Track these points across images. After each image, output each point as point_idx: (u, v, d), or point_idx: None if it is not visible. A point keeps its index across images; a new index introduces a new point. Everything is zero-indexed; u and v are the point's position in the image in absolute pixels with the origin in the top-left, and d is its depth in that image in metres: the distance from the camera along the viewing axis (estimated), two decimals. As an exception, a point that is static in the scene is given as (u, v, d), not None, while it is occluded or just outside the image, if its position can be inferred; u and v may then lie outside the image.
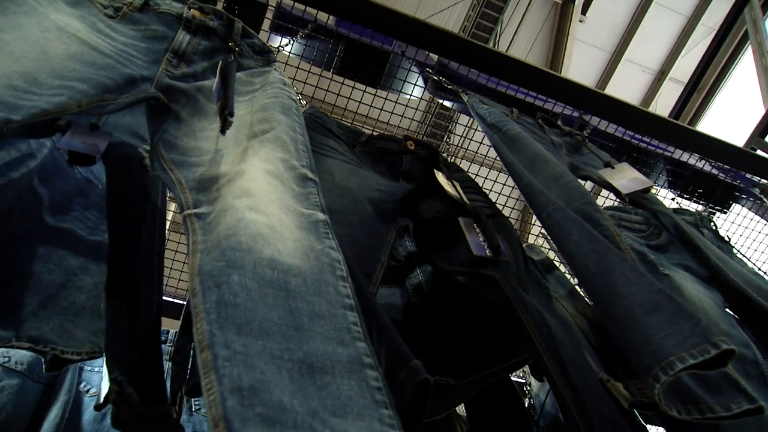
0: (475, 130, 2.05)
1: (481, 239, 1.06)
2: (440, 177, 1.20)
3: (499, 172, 2.39)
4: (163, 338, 1.55)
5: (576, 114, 1.68)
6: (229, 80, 0.84)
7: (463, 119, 3.32)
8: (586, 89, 1.70)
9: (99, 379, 1.38)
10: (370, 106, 1.71)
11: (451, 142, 3.11)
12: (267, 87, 0.97)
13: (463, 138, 1.75)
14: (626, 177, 1.21)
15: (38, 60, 0.76)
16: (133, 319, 0.85)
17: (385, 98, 1.74)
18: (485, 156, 1.97)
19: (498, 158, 1.86)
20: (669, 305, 0.76)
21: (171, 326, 1.59)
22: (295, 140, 0.86)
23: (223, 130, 0.78)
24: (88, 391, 1.35)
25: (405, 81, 1.60)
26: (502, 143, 1.23)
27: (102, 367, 1.35)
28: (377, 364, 0.56)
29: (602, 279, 0.85)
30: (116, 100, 0.82)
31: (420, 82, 1.62)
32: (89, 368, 1.39)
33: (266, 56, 1.08)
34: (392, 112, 1.77)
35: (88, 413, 1.24)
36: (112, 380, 0.77)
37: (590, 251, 0.89)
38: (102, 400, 1.10)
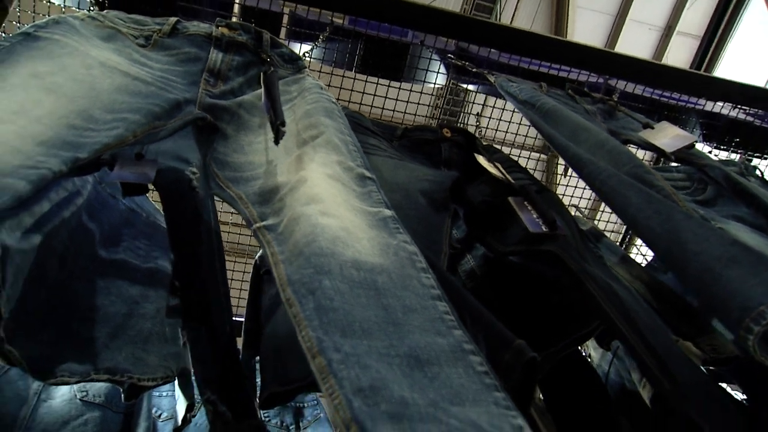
0: (492, 107, 2.03)
1: (534, 216, 1.06)
2: (482, 160, 1.20)
3: (521, 149, 2.38)
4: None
5: (601, 80, 1.66)
6: (273, 91, 0.84)
7: (476, 104, 3.30)
8: (608, 53, 1.69)
9: (168, 403, 1.40)
10: (385, 97, 1.71)
11: (466, 123, 3.10)
12: (305, 93, 0.97)
13: (477, 122, 1.74)
14: (668, 135, 1.19)
15: (89, 97, 0.77)
16: (212, 339, 0.86)
17: (399, 88, 1.73)
18: (505, 134, 1.95)
19: (516, 138, 1.86)
20: (747, 256, 0.75)
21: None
22: (345, 142, 0.86)
23: (276, 141, 0.79)
24: (160, 416, 1.37)
25: (428, 70, 1.59)
26: (539, 118, 1.22)
27: (170, 391, 1.37)
28: (478, 350, 0.56)
29: (671, 239, 0.84)
30: (166, 126, 0.83)
31: (442, 69, 1.61)
32: (157, 394, 1.41)
33: (296, 64, 1.09)
34: (408, 101, 1.76)
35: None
36: (205, 401, 0.78)
37: (653, 213, 0.88)
38: (180, 422, 1.12)
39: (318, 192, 0.72)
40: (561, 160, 3.39)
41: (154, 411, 1.37)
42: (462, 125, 3.26)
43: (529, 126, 1.79)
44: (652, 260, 1.67)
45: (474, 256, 1.33)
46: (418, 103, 1.71)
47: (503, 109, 1.77)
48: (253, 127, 0.92)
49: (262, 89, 0.87)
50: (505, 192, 1.14)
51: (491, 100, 2.06)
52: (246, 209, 0.77)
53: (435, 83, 1.64)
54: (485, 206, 1.13)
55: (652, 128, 1.24)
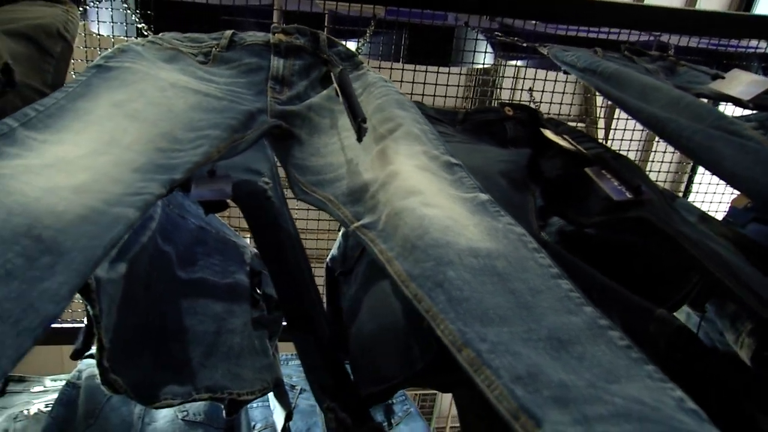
0: (521, 90, 1.99)
1: (616, 183, 1.03)
2: (550, 134, 1.17)
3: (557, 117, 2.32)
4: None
5: (652, 38, 1.61)
6: (349, 89, 0.83)
7: (506, 83, 3.24)
8: (652, 8, 1.63)
9: (260, 414, 1.41)
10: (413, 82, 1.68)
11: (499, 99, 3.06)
12: (371, 88, 0.96)
13: (531, 96, 1.71)
14: (743, 83, 1.14)
15: (169, 119, 0.77)
16: (319, 346, 0.86)
17: (436, 72, 1.70)
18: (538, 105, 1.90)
19: (551, 108, 1.81)
20: None
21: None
22: (424, 131, 0.84)
23: (359, 138, 0.78)
24: (254, 427, 1.38)
25: (475, 51, 1.57)
26: (603, 83, 1.18)
27: (261, 402, 1.38)
28: (614, 324, 0.54)
29: (778, 188, 0.80)
30: (244, 138, 0.83)
31: (489, 48, 1.58)
32: (248, 405, 1.43)
33: (352, 60, 1.07)
34: (436, 84, 1.72)
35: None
36: (325, 409, 0.78)
37: (751, 163, 0.84)
38: (280, 431, 1.12)
39: (414, 184, 0.71)
40: (600, 126, 3.31)
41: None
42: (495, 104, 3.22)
43: (563, 94, 1.75)
44: (726, 216, 1.61)
45: (548, 232, 1.30)
46: (447, 85, 1.67)
47: (534, 80, 1.73)
48: (325, 128, 0.92)
49: (336, 89, 0.86)
50: (579, 163, 1.11)
51: (521, 74, 2.02)
52: (338, 210, 0.76)
53: (483, 63, 1.61)
54: (560, 180, 1.10)
55: (723, 78, 1.20)
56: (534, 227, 0.93)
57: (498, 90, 3.30)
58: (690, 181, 2.29)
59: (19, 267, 0.49)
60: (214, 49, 0.99)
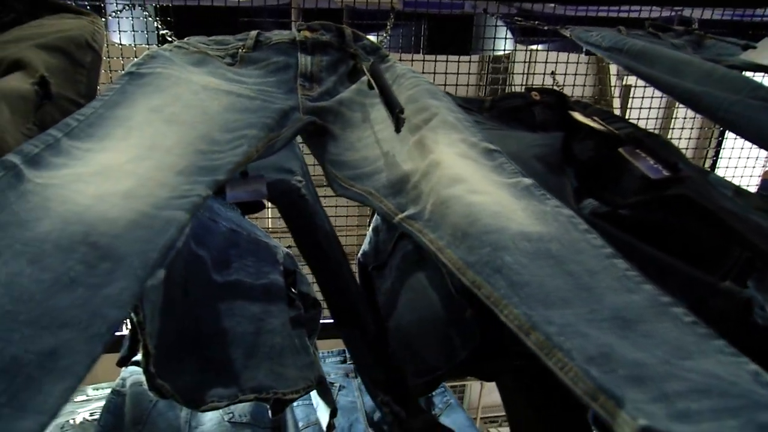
0: (534, 74, 1.97)
1: (652, 162, 1.01)
2: (579, 117, 1.16)
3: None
4: (341, 358, 1.58)
5: (673, 13, 1.59)
6: (382, 80, 0.82)
7: (518, 67, 3.21)
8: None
9: (302, 412, 1.42)
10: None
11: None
12: (400, 80, 0.95)
13: (554, 80, 1.69)
14: (776, 51, 1.12)
15: (205, 121, 0.77)
16: (366, 341, 0.86)
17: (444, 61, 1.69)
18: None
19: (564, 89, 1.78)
20: None
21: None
22: (459, 119, 0.84)
23: (398, 129, 0.77)
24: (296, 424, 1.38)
25: (495, 38, 1.55)
26: (631, 61, 1.17)
27: (303, 400, 1.38)
28: (676, 301, 0.53)
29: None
30: (279, 136, 0.83)
31: (509, 34, 1.57)
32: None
33: (378, 53, 1.07)
34: (446, 73, 1.70)
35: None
36: (379, 402, 0.78)
37: (796, 131, 0.83)
38: (325, 429, 1.12)
39: (457, 172, 0.70)
40: (616, 106, 3.28)
41: (292, 422, 1.38)
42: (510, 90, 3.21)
43: (575, 76, 1.73)
44: (759, 189, 1.59)
45: (582, 214, 1.29)
46: (457, 73, 1.65)
47: (546, 62, 1.70)
48: (357, 122, 0.91)
49: (369, 81, 0.85)
50: (611, 144, 1.10)
51: (534, 59, 2.00)
52: (380, 203, 0.75)
53: (504, 49, 1.60)
54: (593, 162, 1.09)
55: (755, 48, 1.17)
56: (574, 209, 0.92)
57: (511, 76, 3.27)
58: (717, 156, 2.26)
59: (81, 274, 0.49)
60: (240, 50, 0.99)
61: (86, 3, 1.29)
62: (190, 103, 0.80)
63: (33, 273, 0.47)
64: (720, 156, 2.22)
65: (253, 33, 1.01)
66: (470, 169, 0.72)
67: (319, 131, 0.89)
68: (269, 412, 1.05)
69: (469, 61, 1.78)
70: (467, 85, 1.67)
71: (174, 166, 0.67)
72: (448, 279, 1.09)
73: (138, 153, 0.67)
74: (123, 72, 0.85)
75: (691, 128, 2.22)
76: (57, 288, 0.47)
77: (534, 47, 1.56)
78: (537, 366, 0.48)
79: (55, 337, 0.44)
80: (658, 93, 1.81)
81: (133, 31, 1.37)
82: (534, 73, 1.92)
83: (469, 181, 0.68)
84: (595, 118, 1.18)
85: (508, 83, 3.33)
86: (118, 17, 1.32)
